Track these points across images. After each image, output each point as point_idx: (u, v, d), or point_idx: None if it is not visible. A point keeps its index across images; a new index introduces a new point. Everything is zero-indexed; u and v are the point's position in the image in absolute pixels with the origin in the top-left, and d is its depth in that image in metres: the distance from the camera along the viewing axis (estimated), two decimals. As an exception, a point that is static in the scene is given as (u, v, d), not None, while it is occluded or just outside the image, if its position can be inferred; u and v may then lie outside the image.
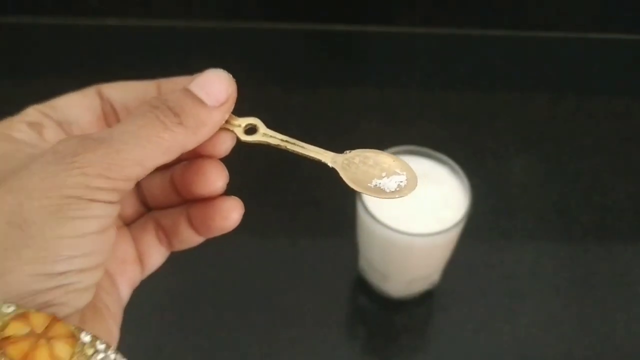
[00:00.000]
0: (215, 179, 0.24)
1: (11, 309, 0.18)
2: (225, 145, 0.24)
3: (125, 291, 0.24)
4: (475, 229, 0.47)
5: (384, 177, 0.25)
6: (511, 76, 0.75)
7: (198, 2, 0.79)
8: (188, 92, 0.22)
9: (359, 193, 0.38)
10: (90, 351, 0.19)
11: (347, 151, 0.26)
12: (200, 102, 0.21)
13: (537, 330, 0.52)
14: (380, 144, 0.48)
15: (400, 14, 0.79)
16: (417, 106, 0.71)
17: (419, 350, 0.52)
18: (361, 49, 0.78)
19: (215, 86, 0.22)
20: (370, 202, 0.45)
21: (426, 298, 0.54)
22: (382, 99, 0.71)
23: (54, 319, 0.18)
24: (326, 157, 0.26)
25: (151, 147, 0.20)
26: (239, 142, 0.25)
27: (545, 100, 0.72)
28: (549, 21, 0.78)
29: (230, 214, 0.24)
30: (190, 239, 0.25)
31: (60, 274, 0.19)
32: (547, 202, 0.62)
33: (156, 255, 0.25)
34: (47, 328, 0.18)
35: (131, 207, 0.26)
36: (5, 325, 0.17)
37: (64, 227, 0.19)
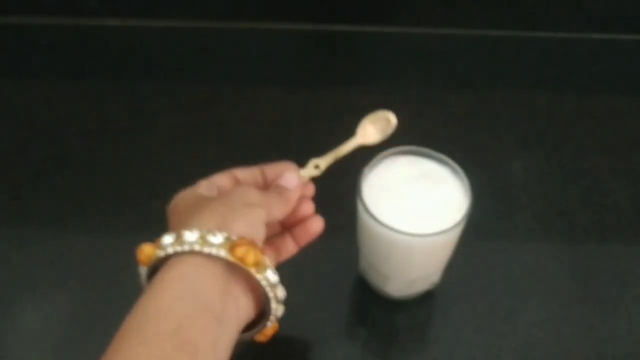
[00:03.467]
0: (310, 208, 0.45)
1: (224, 236, 0.36)
2: (309, 193, 0.46)
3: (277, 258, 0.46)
4: (475, 229, 0.47)
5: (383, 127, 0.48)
6: (511, 76, 0.75)
7: (198, 2, 0.79)
8: (280, 185, 0.43)
9: (359, 193, 0.46)
10: (267, 261, 0.37)
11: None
12: (286, 188, 0.43)
13: (537, 330, 0.52)
14: (380, 144, 0.48)
15: (400, 14, 0.79)
16: (417, 106, 0.71)
17: (419, 350, 0.52)
18: (361, 49, 0.78)
19: (292, 180, 0.43)
20: (371, 202, 0.45)
21: (427, 298, 0.55)
22: (382, 99, 0.71)
23: (255, 244, 0.37)
24: (354, 142, 0.46)
25: (277, 207, 0.42)
26: (315, 177, 0.45)
27: (545, 100, 0.72)
28: (549, 21, 0.78)
29: (318, 225, 0.45)
30: (290, 249, 0.45)
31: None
32: (547, 202, 0.62)
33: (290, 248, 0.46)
34: (253, 246, 0.36)
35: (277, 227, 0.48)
36: (234, 242, 0.36)
37: (252, 212, 0.39)
